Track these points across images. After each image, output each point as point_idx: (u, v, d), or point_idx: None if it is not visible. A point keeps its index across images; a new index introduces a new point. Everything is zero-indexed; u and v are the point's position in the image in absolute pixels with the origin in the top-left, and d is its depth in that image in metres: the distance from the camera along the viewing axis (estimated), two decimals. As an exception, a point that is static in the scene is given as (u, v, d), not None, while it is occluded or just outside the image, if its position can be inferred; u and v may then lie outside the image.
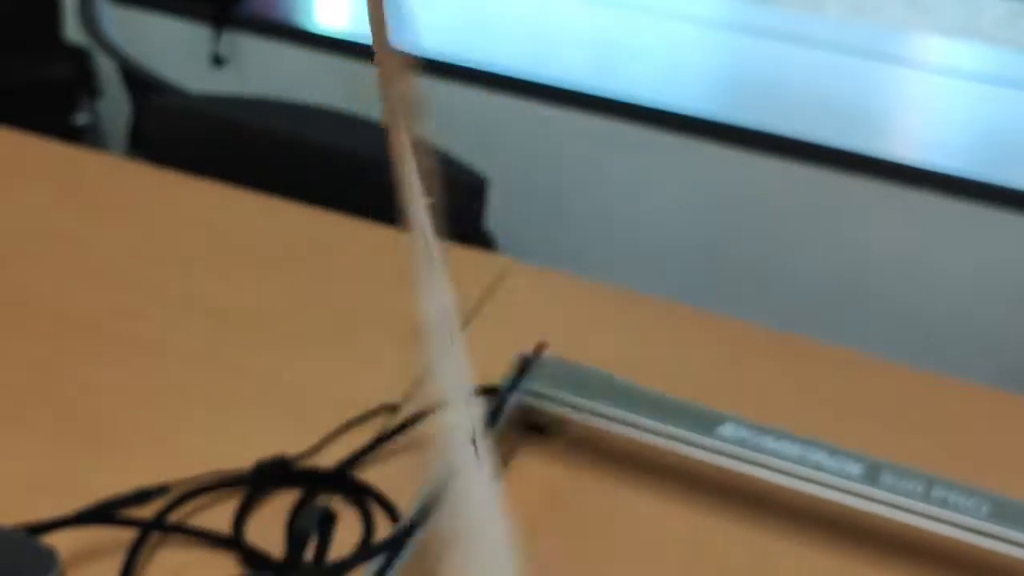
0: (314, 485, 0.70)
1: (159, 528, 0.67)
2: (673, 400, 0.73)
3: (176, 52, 1.81)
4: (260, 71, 1.83)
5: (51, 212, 0.98)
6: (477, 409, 0.51)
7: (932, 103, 1.77)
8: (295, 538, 0.59)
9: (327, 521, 0.57)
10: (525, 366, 0.75)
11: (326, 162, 1.14)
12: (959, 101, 1.72)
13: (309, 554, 0.63)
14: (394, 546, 0.61)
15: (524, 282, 0.95)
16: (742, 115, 1.68)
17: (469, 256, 0.99)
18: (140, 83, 1.46)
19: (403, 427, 0.72)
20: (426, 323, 0.41)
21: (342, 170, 1.12)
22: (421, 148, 0.36)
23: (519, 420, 0.75)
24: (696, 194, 1.74)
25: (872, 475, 0.68)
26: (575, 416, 0.73)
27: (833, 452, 0.70)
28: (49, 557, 0.57)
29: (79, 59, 1.78)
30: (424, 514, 0.63)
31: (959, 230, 1.50)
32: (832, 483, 0.68)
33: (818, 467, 0.69)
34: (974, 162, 1.54)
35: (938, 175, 1.49)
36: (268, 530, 0.67)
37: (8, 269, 0.90)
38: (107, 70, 1.78)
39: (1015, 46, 1.78)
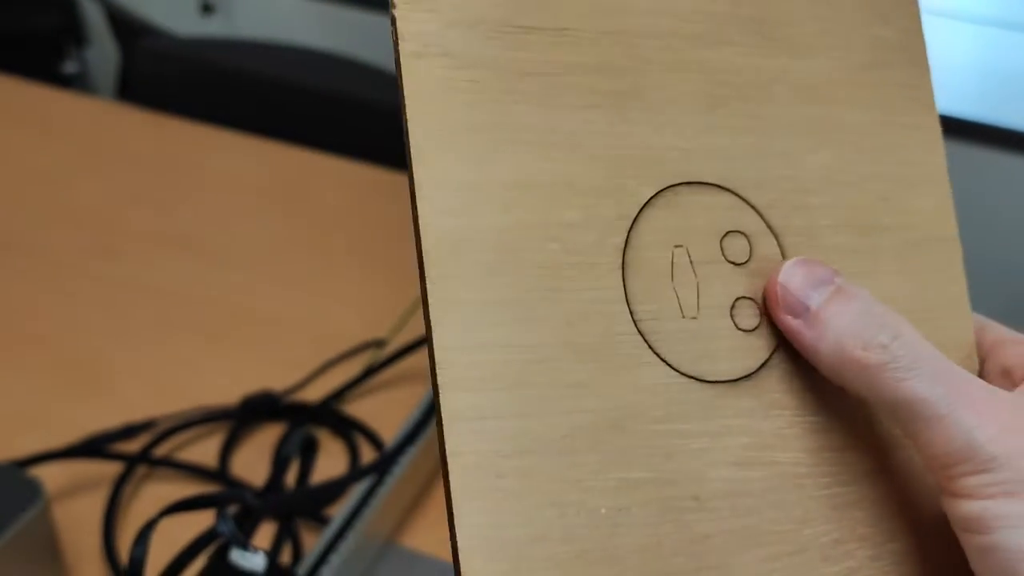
0: (300, 419, 0.70)
1: (145, 462, 0.67)
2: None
3: (164, 1, 1.79)
4: (249, 18, 1.82)
5: (36, 154, 0.98)
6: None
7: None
8: (277, 463, 0.59)
9: (309, 447, 0.57)
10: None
11: (314, 103, 1.13)
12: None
13: (292, 481, 0.63)
14: (378, 470, 0.61)
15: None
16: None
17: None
18: (128, 30, 1.44)
19: (389, 361, 0.72)
20: None
21: (329, 111, 1.11)
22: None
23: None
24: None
25: None
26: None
27: None
28: (33, 488, 0.57)
29: (66, 7, 1.77)
30: (409, 440, 0.63)
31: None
32: None
33: None
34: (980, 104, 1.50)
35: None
36: (254, 464, 0.68)
37: (-7, 211, 0.90)
38: (94, 17, 1.76)
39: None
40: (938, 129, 0.35)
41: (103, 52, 1.76)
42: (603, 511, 0.28)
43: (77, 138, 1.01)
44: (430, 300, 0.27)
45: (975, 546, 0.28)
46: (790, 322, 0.31)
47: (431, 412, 0.66)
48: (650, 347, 0.30)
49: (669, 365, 0.30)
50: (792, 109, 0.33)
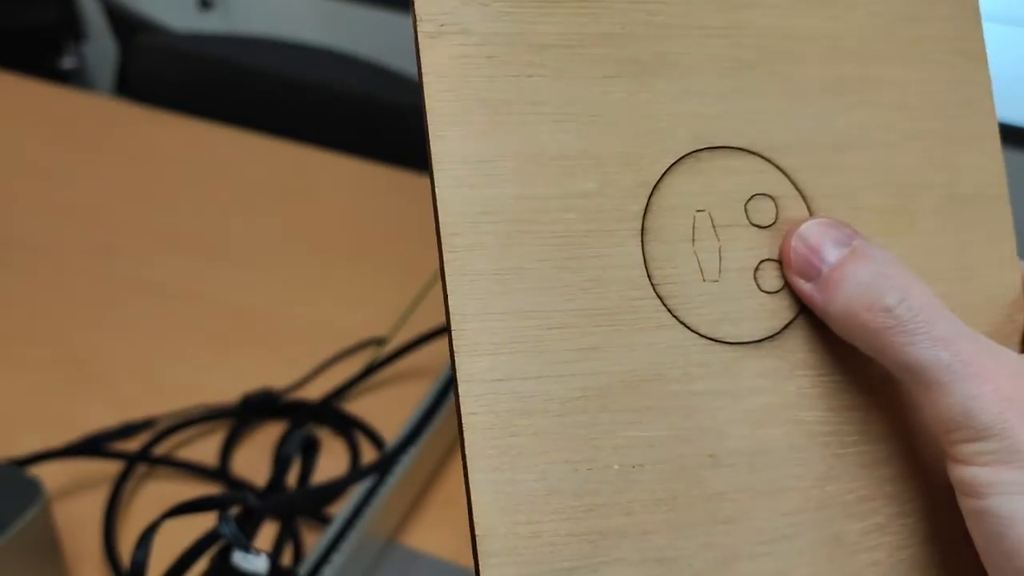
0: (300, 417, 0.70)
1: (145, 460, 0.67)
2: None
3: (163, -4, 1.78)
4: (247, 13, 1.81)
5: (37, 151, 0.98)
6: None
7: None
8: (278, 463, 0.59)
9: (310, 447, 0.56)
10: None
11: (312, 99, 1.13)
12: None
13: (293, 481, 0.62)
14: (380, 470, 0.61)
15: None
16: None
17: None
18: (126, 26, 1.44)
19: (389, 359, 0.72)
20: None
21: (328, 107, 1.11)
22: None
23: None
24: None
25: None
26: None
27: None
28: (34, 488, 0.57)
29: (64, 3, 1.76)
30: (410, 439, 0.63)
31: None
32: None
33: None
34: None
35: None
36: (254, 462, 0.67)
37: (-8, 208, 0.89)
38: (92, 13, 1.76)
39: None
40: (988, 83, 0.34)
41: (101, 48, 1.76)
42: (616, 467, 0.29)
43: (75, 134, 1.00)
44: (447, 269, 0.28)
45: (969, 509, 0.29)
46: (802, 285, 0.31)
47: (432, 411, 0.66)
48: (668, 310, 0.30)
49: (688, 327, 0.30)
50: (825, 68, 0.33)
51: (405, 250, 0.84)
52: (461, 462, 0.28)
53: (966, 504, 0.29)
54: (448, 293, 0.28)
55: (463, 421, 0.28)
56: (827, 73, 0.33)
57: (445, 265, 0.28)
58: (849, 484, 0.31)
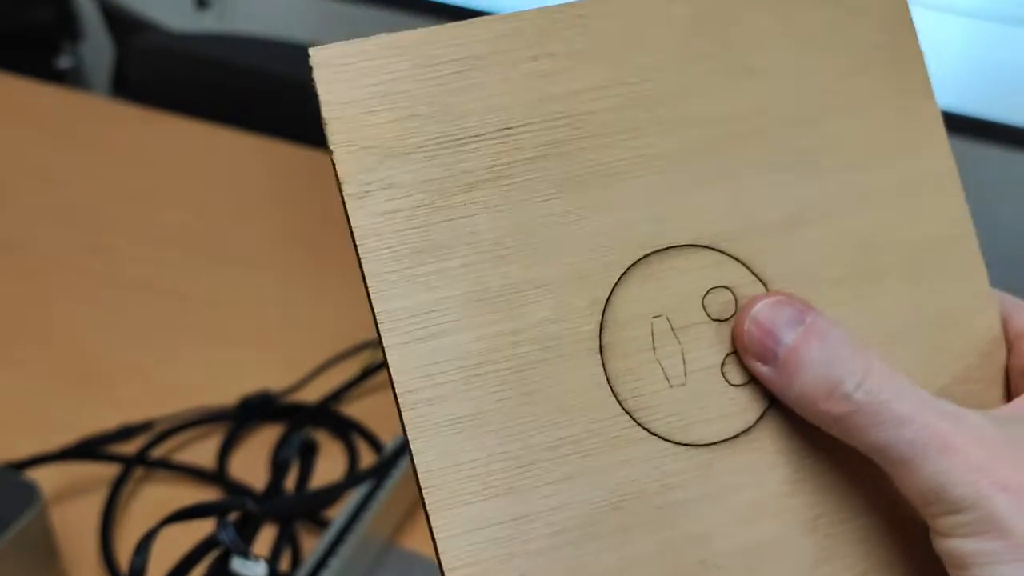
0: (298, 420, 0.70)
1: (142, 463, 0.67)
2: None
3: (160, -5, 1.78)
4: (244, 13, 1.81)
5: (33, 151, 0.97)
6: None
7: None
8: (277, 467, 0.58)
9: (308, 450, 0.56)
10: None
11: (309, 100, 1.12)
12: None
13: (292, 484, 0.62)
14: (377, 474, 0.61)
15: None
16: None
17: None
18: (123, 25, 1.44)
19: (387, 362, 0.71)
20: None
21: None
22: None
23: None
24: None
25: None
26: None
27: None
28: (31, 491, 0.57)
29: (60, 2, 1.76)
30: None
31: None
32: None
33: None
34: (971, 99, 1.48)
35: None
36: (252, 465, 0.67)
37: (-12, 209, 0.89)
38: (89, 13, 1.76)
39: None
40: (937, 116, 0.34)
41: (98, 47, 1.76)
42: None
43: (72, 134, 1.00)
44: (407, 427, 0.28)
45: None
46: (760, 368, 0.30)
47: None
48: (639, 424, 0.30)
49: (661, 437, 0.30)
50: (765, 146, 0.32)
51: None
52: None
53: (952, 574, 0.29)
54: (413, 452, 0.28)
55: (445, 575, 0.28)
56: (769, 149, 0.32)
57: (406, 423, 0.28)
58: (844, 562, 0.31)
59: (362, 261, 0.29)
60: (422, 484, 0.28)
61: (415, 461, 0.28)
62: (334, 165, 0.29)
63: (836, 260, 0.32)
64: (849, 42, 0.33)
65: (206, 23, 1.78)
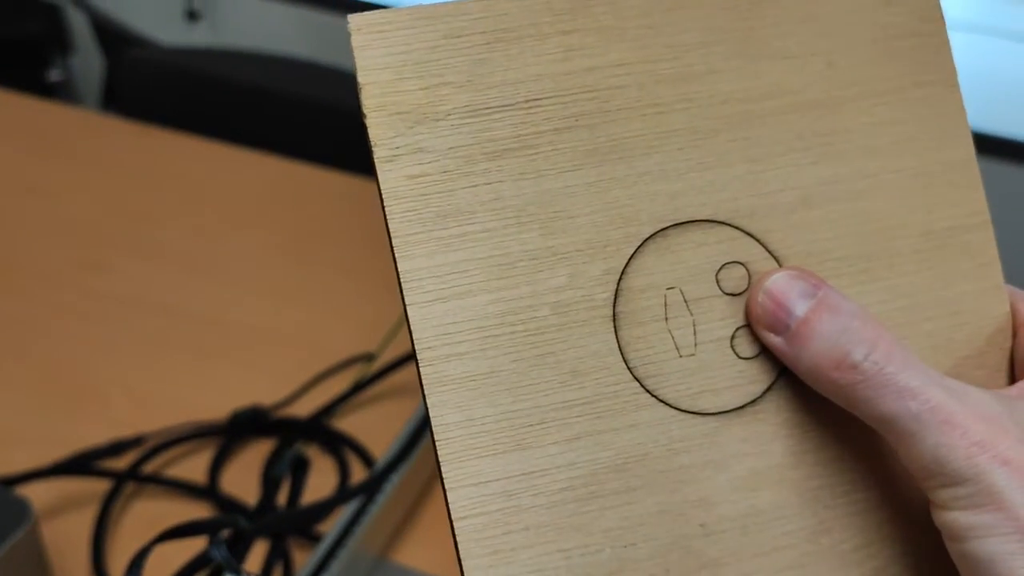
0: (289, 434, 0.70)
1: (133, 479, 0.67)
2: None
3: (149, 8, 1.78)
4: (234, 26, 1.81)
5: (22, 165, 0.97)
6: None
7: None
8: (268, 483, 0.59)
9: (300, 466, 0.56)
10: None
11: (300, 113, 1.13)
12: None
13: (283, 499, 0.63)
14: (369, 490, 0.61)
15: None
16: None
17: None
18: (113, 38, 1.44)
19: (378, 376, 0.72)
20: None
21: (316, 121, 1.11)
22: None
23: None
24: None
25: None
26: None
27: None
28: (22, 508, 0.57)
29: (51, 15, 1.76)
30: (399, 458, 0.63)
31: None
32: None
33: None
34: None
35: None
36: (243, 480, 0.67)
37: (-21, 224, 0.89)
38: (79, 26, 1.76)
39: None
40: (961, 107, 0.34)
41: (88, 61, 1.76)
42: (608, 550, 0.30)
43: (62, 148, 1.00)
44: (424, 383, 0.29)
45: (952, 551, 0.30)
46: (772, 339, 0.31)
47: (421, 428, 0.66)
48: (647, 391, 0.31)
49: (668, 405, 0.31)
50: (786, 126, 0.33)
51: (393, 265, 0.84)
52: (455, 554, 0.29)
53: (950, 547, 0.30)
54: (429, 405, 0.29)
55: (454, 526, 0.29)
56: (789, 130, 0.33)
57: (423, 378, 0.29)
58: (843, 534, 0.32)
59: (388, 222, 0.30)
60: (436, 437, 0.29)
61: (430, 415, 0.29)
62: (366, 128, 0.30)
63: (850, 241, 0.33)
64: (876, 29, 0.34)
65: (196, 37, 1.78)
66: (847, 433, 0.32)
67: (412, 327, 0.29)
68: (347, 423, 0.71)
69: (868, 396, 0.29)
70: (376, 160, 0.30)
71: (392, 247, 0.30)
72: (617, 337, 0.31)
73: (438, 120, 0.30)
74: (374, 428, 0.70)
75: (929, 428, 0.29)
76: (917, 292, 0.33)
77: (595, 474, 0.30)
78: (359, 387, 0.72)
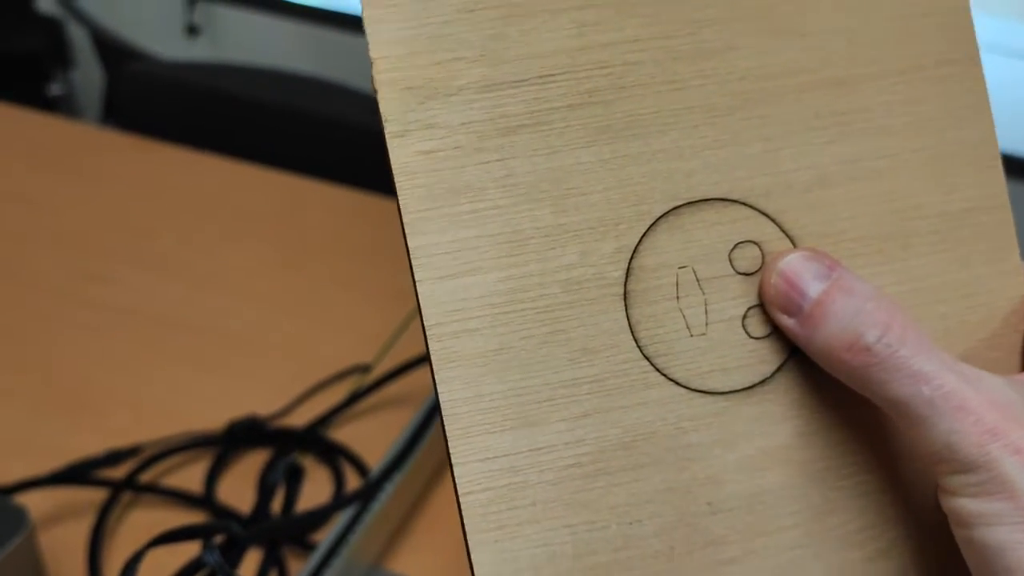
0: (285, 444, 0.70)
1: (130, 488, 0.67)
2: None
3: (150, 22, 1.79)
4: (235, 41, 1.82)
5: (23, 178, 0.98)
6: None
7: None
8: (263, 491, 0.59)
9: (294, 474, 0.57)
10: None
11: (299, 128, 1.14)
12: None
13: (278, 508, 0.63)
14: (363, 497, 0.61)
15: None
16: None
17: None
18: (114, 53, 1.45)
19: (374, 387, 0.72)
20: None
21: (315, 135, 1.12)
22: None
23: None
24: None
25: None
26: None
27: None
28: (20, 516, 0.57)
29: (51, 29, 1.77)
30: (394, 466, 0.64)
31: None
32: None
33: None
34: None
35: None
36: (240, 490, 0.68)
37: (-21, 236, 0.90)
38: (80, 41, 1.77)
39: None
40: (983, 87, 0.34)
41: (89, 75, 1.77)
42: (614, 526, 0.30)
43: (62, 162, 1.01)
44: (434, 360, 0.29)
45: (960, 537, 0.29)
46: (785, 320, 0.31)
47: (416, 437, 0.67)
48: (657, 370, 0.31)
49: (678, 383, 0.31)
50: (803, 104, 0.32)
51: (390, 278, 0.85)
52: (458, 517, 0.29)
53: (957, 532, 0.29)
54: (437, 382, 0.29)
55: (460, 501, 0.29)
56: (806, 109, 0.32)
57: (432, 355, 0.29)
58: (848, 515, 0.32)
59: (399, 198, 0.29)
60: (444, 413, 0.29)
61: (438, 391, 0.29)
62: (378, 103, 0.30)
63: (866, 221, 0.32)
64: (897, 6, 0.33)
65: (196, 52, 1.79)
66: (855, 415, 0.32)
67: (422, 303, 0.29)
68: (343, 433, 0.72)
69: (881, 379, 0.29)
70: (387, 135, 0.30)
71: (403, 223, 0.29)
72: (628, 315, 0.31)
73: (450, 95, 0.30)
74: (370, 438, 0.71)
75: (942, 414, 0.28)
76: (932, 274, 0.33)
77: (603, 451, 0.30)
78: (355, 398, 0.72)
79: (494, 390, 0.29)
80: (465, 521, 0.29)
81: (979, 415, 0.28)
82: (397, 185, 0.29)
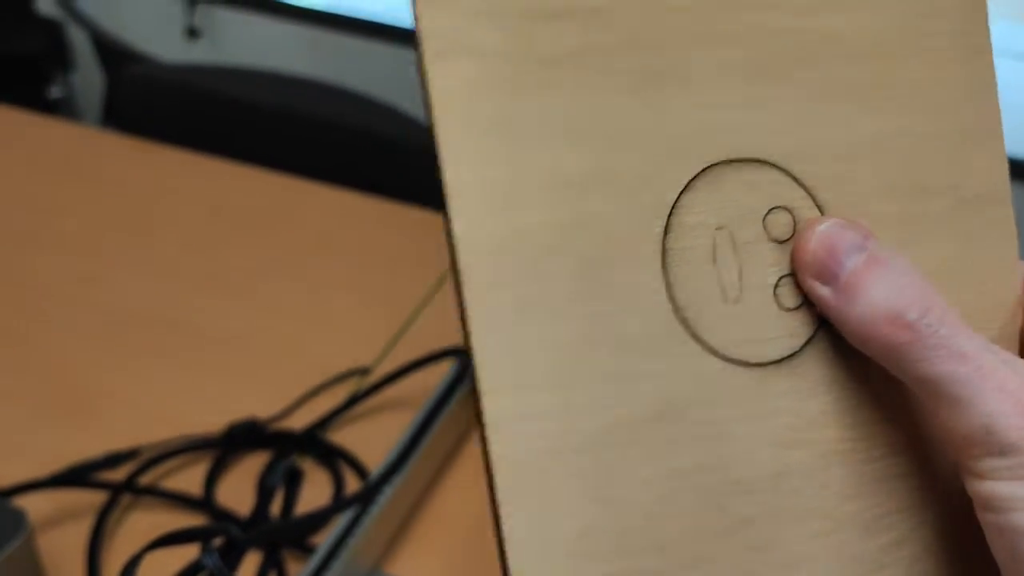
0: (284, 447, 0.70)
1: (129, 490, 0.67)
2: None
3: (150, 25, 1.80)
4: (235, 44, 1.82)
5: (23, 181, 0.98)
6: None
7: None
8: (262, 493, 0.59)
9: (294, 477, 0.57)
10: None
11: (300, 130, 1.14)
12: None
13: (277, 511, 0.63)
14: (363, 500, 0.61)
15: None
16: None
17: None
18: (114, 56, 1.45)
19: (373, 389, 0.72)
20: None
21: (315, 138, 1.12)
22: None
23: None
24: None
25: None
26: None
27: None
28: (18, 519, 0.57)
29: (52, 32, 1.77)
30: (393, 469, 0.64)
31: None
32: None
33: None
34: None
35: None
36: (238, 492, 0.68)
37: (-22, 238, 0.90)
38: (80, 43, 1.77)
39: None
40: (993, 78, 0.33)
41: (89, 77, 1.77)
42: (645, 501, 0.28)
43: (62, 164, 1.01)
44: (466, 304, 0.27)
45: (988, 523, 0.29)
46: (818, 289, 0.30)
47: (417, 439, 0.66)
48: (692, 335, 0.29)
49: (713, 352, 0.30)
50: (839, 73, 0.31)
51: (389, 280, 0.85)
52: (489, 498, 0.28)
53: (985, 518, 0.29)
54: (469, 332, 0.27)
55: (492, 463, 0.27)
56: (841, 78, 0.31)
57: (465, 304, 0.27)
58: (868, 500, 0.31)
59: (435, 127, 0.27)
60: (477, 367, 0.27)
61: (471, 342, 0.27)
62: (417, 20, 0.27)
63: (888, 196, 0.32)
64: None
65: (196, 55, 1.79)
66: (879, 396, 0.31)
67: (457, 246, 0.27)
68: (342, 436, 0.72)
69: (919, 356, 0.28)
70: (425, 55, 0.27)
71: (439, 156, 0.27)
72: (664, 274, 0.29)
73: (496, 19, 0.28)
74: (369, 441, 0.71)
75: (980, 394, 0.28)
76: (943, 256, 0.32)
77: (636, 419, 0.28)
78: (354, 400, 0.72)
79: (529, 343, 0.27)
80: (497, 485, 0.27)
81: (1019, 397, 0.28)
82: (434, 109, 0.27)
